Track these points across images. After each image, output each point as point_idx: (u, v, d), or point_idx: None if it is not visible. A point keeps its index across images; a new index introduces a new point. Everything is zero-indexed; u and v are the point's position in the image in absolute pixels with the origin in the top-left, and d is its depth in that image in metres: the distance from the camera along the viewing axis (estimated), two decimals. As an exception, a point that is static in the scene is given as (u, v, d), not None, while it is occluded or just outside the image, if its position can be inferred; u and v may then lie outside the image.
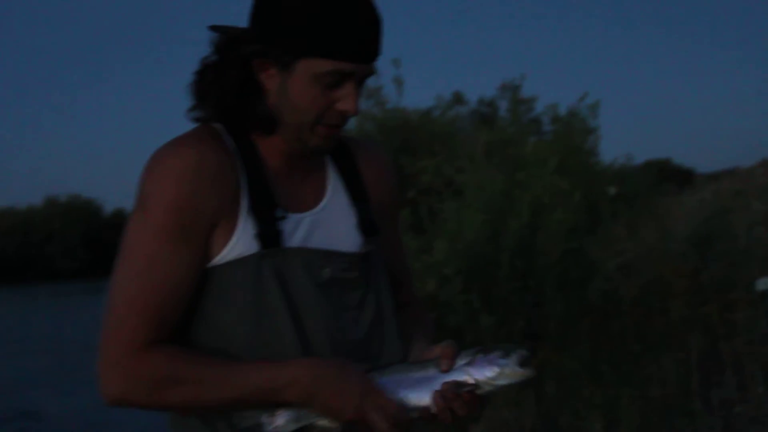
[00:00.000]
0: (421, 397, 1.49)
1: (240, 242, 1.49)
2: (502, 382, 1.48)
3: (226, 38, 1.53)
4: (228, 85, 1.53)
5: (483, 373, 1.48)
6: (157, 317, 1.45)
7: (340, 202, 1.62)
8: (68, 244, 38.46)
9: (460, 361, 1.50)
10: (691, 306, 4.95)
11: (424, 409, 1.48)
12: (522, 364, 1.48)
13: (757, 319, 4.60)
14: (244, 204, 1.50)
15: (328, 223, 1.59)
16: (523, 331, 5.14)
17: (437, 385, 1.49)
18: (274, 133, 1.55)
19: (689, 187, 13.80)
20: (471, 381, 1.48)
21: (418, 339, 1.64)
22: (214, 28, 1.55)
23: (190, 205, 1.45)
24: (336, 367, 1.44)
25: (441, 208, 6.22)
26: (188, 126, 1.58)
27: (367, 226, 1.63)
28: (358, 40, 1.44)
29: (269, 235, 1.50)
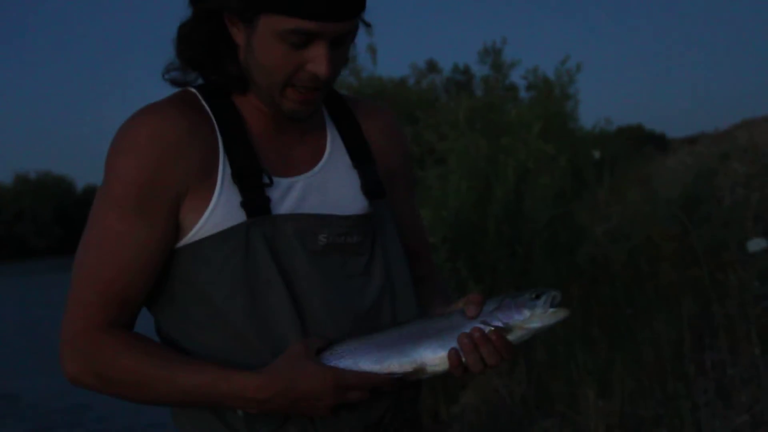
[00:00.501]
0: (445, 345, 1.39)
1: (219, 212, 1.38)
2: (534, 324, 1.38)
3: None
4: (197, 39, 1.42)
5: (513, 317, 1.38)
6: (113, 294, 1.38)
7: (341, 163, 1.50)
8: (39, 221, 38.08)
9: (487, 308, 1.40)
10: (680, 269, 4.91)
11: (452, 357, 1.37)
12: (554, 305, 1.39)
13: (749, 280, 4.57)
14: (223, 171, 1.39)
15: (326, 186, 1.47)
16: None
17: (464, 330, 1.39)
18: (247, 92, 1.44)
19: (667, 151, 13.80)
20: (500, 325, 1.38)
21: (438, 304, 1.53)
22: None
23: (147, 178, 1.36)
24: (284, 377, 1.33)
25: (424, 175, 6.12)
26: (167, 92, 1.47)
27: (371, 187, 1.50)
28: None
29: (255, 202, 1.39)
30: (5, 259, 35.56)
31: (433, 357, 1.40)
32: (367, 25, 1.46)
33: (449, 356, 1.38)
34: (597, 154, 5.86)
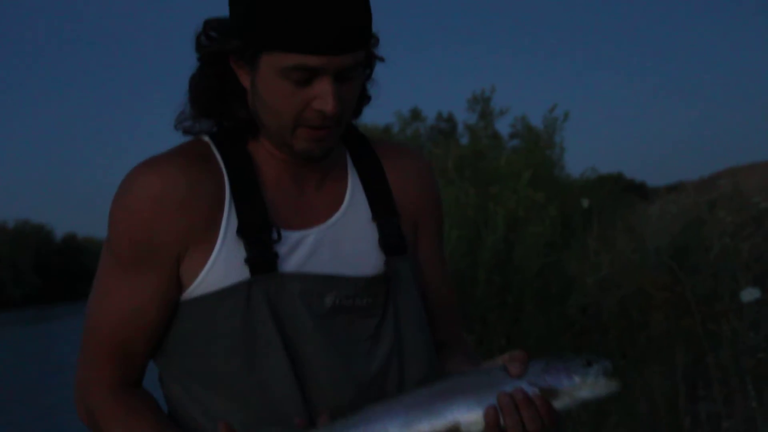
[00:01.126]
0: (483, 402, 1.25)
1: (220, 268, 1.33)
2: (583, 393, 1.27)
3: (203, 35, 1.37)
4: (205, 85, 1.38)
5: (563, 381, 1.27)
6: (115, 348, 1.36)
7: (360, 214, 1.43)
8: (18, 270, 37.66)
9: (533, 368, 1.28)
10: (672, 318, 4.88)
11: (489, 416, 1.24)
12: (606, 375, 1.27)
13: (742, 330, 4.54)
14: (226, 225, 1.34)
15: (341, 241, 1.40)
16: (504, 349, 5.02)
17: (505, 389, 1.26)
18: (258, 137, 1.39)
19: (649, 199, 13.90)
20: (547, 386, 1.27)
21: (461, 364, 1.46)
22: (207, 22, 1.38)
23: (145, 236, 1.32)
24: None
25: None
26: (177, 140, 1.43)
27: (390, 242, 1.42)
28: (319, 30, 1.26)
29: (260, 259, 1.33)
30: (-19, 308, 35.06)
31: (469, 415, 1.26)
32: (380, 59, 1.41)
33: (486, 414, 1.25)
34: (586, 203, 5.86)
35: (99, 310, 1.38)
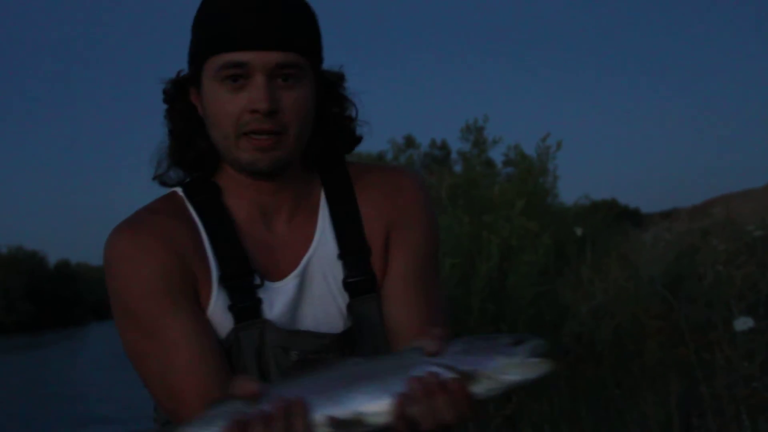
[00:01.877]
0: (389, 389, 1.09)
1: (216, 314, 1.36)
2: (509, 376, 1.11)
3: (167, 84, 1.46)
4: (174, 128, 1.44)
5: (483, 363, 1.10)
6: (197, 389, 1.32)
7: (327, 255, 1.43)
8: (10, 297, 37.50)
9: (453, 348, 1.12)
10: (666, 347, 4.88)
11: (395, 406, 1.09)
12: (537, 355, 1.11)
13: (736, 360, 4.54)
14: (214, 272, 1.37)
15: (312, 284, 1.41)
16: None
17: (417, 373, 1.10)
18: (223, 171, 1.43)
19: (643, 226, 13.93)
20: (465, 369, 1.09)
21: None
22: None
23: (156, 283, 1.34)
24: None
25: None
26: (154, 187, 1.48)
27: (353, 283, 1.41)
28: (241, 28, 1.33)
29: (242, 307, 1.36)
30: (-26, 335, 34.82)
31: (373, 404, 1.10)
32: (338, 78, 1.45)
33: (392, 404, 1.10)
34: (579, 231, 5.87)
35: (162, 373, 1.34)
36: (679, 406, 4.48)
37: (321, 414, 1.09)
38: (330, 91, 1.45)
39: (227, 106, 1.34)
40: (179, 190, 1.44)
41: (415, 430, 1.12)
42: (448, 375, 1.10)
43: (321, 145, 1.46)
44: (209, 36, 1.35)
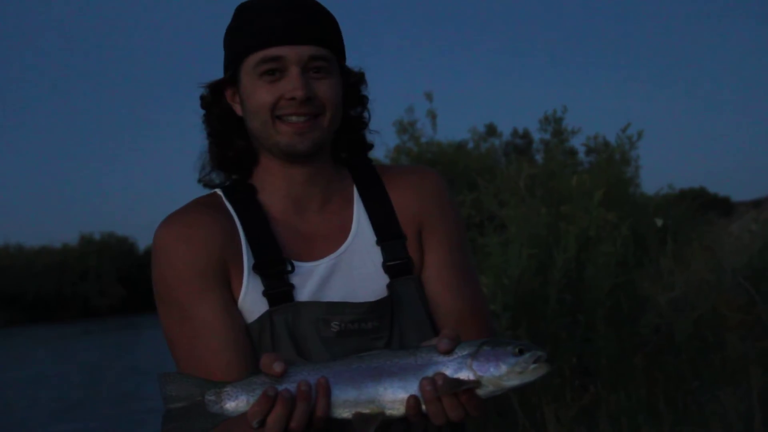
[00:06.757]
0: (407, 387, 1.26)
1: (249, 299, 1.48)
2: (510, 382, 1.25)
3: (204, 89, 1.60)
4: (213, 133, 1.58)
5: (489, 370, 1.25)
6: (227, 365, 1.44)
7: (366, 241, 1.55)
8: (103, 281, 38.84)
9: (462, 350, 1.27)
10: (748, 340, 4.80)
11: (410, 404, 1.25)
12: (537, 362, 1.25)
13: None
14: (247, 263, 1.49)
15: (349, 268, 1.53)
16: (575, 368, 5.01)
17: (429, 373, 1.26)
18: (258, 168, 1.56)
19: (731, 215, 13.56)
20: (471, 377, 1.25)
21: None
22: None
23: (192, 268, 1.47)
24: None
25: (484, 242, 6.13)
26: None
27: (394, 265, 1.53)
28: (276, 25, 1.48)
29: (276, 291, 1.48)
30: (70, 318, 36.29)
31: (393, 398, 1.27)
32: (359, 75, 1.58)
33: (407, 403, 1.27)
34: (660, 222, 5.80)
35: (192, 354, 1.46)
36: (761, 400, 4.42)
37: (342, 399, 1.27)
38: (353, 91, 1.59)
39: (265, 96, 1.49)
40: (219, 190, 1.58)
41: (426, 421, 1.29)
42: (455, 385, 1.25)
43: (347, 141, 1.60)
44: (246, 37, 1.50)
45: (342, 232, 1.55)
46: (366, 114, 1.62)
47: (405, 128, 9.22)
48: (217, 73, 1.59)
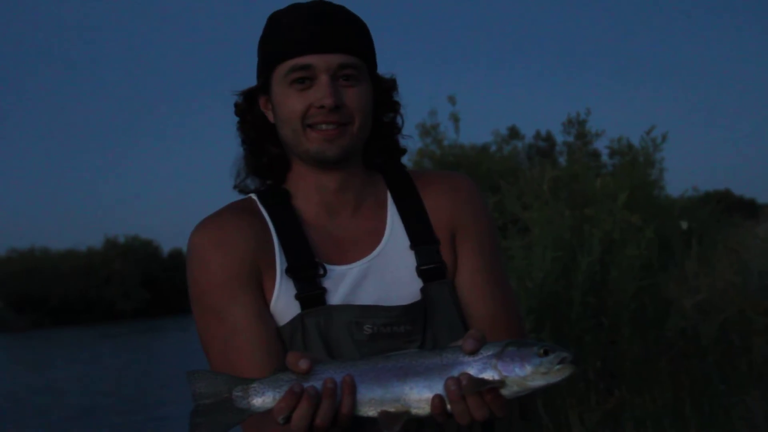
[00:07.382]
0: (432, 387, 1.27)
1: (281, 302, 1.50)
2: (535, 383, 1.25)
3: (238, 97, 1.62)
4: (248, 140, 1.60)
5: (514, 370, 1.25)
6: (256, 372, 1.44)
7: (398, 245, 1.56)
8: (127, 284, 39.09)
9: (486, 351, 1.28)
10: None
11: (435, 403, 1.27)
12: (561, 363, 1.26)
13: None
14: (280, 266, 1.51)
15: (383, 271, 1.54)
16: (599, 371, 4.99)
17: (454, 373, 1.27)
18: (292, 173, 1.58)
19: (757, 217, 13.44)
20: (496, 377, 1.25)
21: None
22: None
23: (225, 271, 1.50)
24: None
25: (507, 245, 6.13)
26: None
27: (428, 269, 1.54)
28: (305, 34, 1.50)
29: (308, 295, 1.49)
30: (95, 320, 36.58)
31: (419, 397, 1.28)
32: (391, 82, 1.60)
33: (432, 402, 1.28)
34: (684, 225, 5.77)
35: (224, 356, 1.49)
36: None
37: (367, 398, 1.29)
38: (384, 97, 1.61)
39: (296, 104, 1.51)
40: (253, 195, 1.61)
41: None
42: (480, 379, 1.26)
43: (379, 146, 1.62)
44: (277, 46, 1.53)
45: (375, 236, 1.56)
46: (399, 119, 1.63)
47: (428, 131, 9.24)
48: (250, 79, 1.62)
